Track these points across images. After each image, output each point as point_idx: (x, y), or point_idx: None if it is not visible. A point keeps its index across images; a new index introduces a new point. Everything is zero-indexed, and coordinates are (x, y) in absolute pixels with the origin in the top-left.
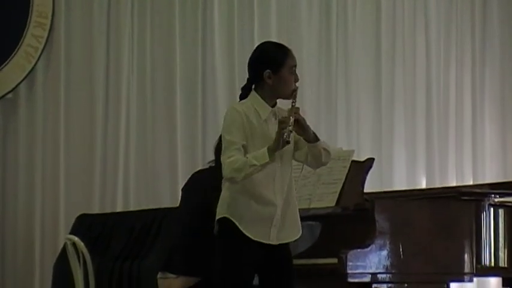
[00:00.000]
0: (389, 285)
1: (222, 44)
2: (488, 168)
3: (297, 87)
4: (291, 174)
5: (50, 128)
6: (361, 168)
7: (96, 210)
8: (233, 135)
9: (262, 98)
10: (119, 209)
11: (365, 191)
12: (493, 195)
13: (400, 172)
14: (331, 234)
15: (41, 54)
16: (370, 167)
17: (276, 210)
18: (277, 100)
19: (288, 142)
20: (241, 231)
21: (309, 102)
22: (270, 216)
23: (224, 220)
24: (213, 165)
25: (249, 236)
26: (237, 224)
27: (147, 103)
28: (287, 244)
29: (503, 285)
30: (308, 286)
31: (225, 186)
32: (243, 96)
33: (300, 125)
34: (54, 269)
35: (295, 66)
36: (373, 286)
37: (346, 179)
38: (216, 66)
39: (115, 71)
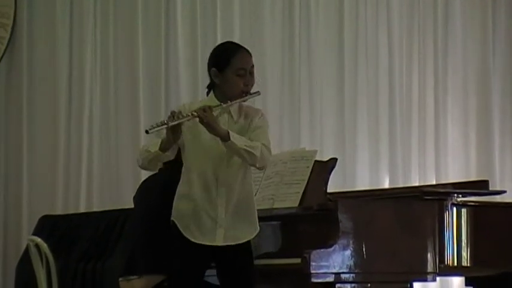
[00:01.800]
0: (353, 285)
1: (185, 42)
2: (451, 168)
3: (247, 89)
4: (246, 177)
5: (12, 129)
6: (324, 168)
7: (59, 211)
8: (152, 142)
9: (215, 96)
10: (82, 210)
11: (328, 191)
12: (455, 195)
13: (363, 172)
14: (294, 234)
15: (3, 55)
16: (333, 167)
17: (217, 211)
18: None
19: (146, 132)
20: (183, 234)
21: (272, 101)
22: (212, 217)
23: (172, 223)
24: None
25: (190, 238)
26: (179, 227)
27: (110, 104)
28: (242, 244)
29: (466, 285)
30: (271, 286)
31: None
32: (207, 95)
33: (204, 123)
34: (16, 270)
35: (244, 69)
36: (336, 286)
37: (309, 179)
38: (179, 66)
39: (78, 72)
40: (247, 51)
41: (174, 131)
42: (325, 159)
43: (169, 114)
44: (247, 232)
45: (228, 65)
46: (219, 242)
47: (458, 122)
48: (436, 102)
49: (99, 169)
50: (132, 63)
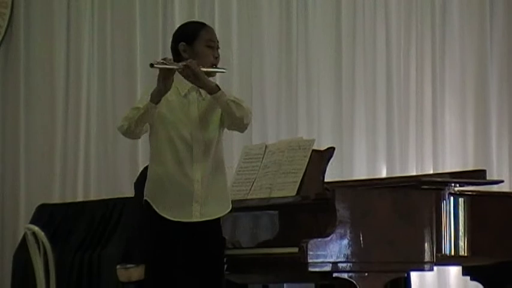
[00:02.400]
0: (350, 274)
1: None
2: (449, 157)
3: (216, 63)
4: (218, 154)
5: (9, 119)
6: (321, 158)
7: (56, 199)
8: (139, 101)
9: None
10: (79, 199)
11: (326, 180)
12: (453, 184)
13: (361, 161)
14: (292, 223)
15: (0, 44)
16: (331, 156)
17: (194, 185)
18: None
19: (151, 65)
20: (159, 213)
21: (269, 91)
22: (188, 192)
23: (145, 203)
24: None
25: (167, 217)
26: (153, 206)
27: (107, 93)
28: (215, 220)
29: (463, 274)
30: (269, 276)
31: (149, 167)
32: None
33: (191, 72)
34: (14, 259)
35: (213, 41)
36: (333, 275)
37: (306, 168)
38: None
39: (75, 61)
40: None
41: (168, 77)
42: (323, 148)
43: (162, 59)
44: (221, 207)
45: (198, 37)
46: (196, 217)
47: (456, 111)
48: (433, 91)
49: (96, 158)
50: (129, 50)
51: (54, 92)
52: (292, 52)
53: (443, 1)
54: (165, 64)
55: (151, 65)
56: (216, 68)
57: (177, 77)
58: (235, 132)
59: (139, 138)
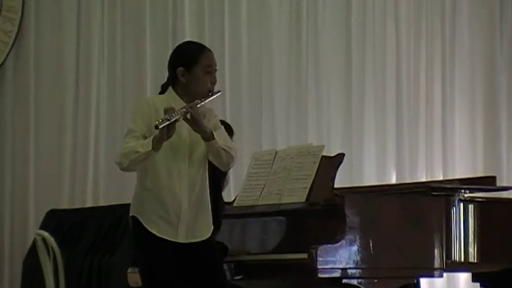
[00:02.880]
0: (359, 280)
1: (193, 36)
2: (458, 164)
3: (212, 88)
4: (204, 175)
5: (19, 124)
6: (331, 164)
7: (65, 205)
8: (135, 123)
9: (178, 95)
10: (88, 205)
11: (335, 186)
12: (462, 191)
13: (370, 167)
14: (301, 229)
15: (10, 49)
16: (341, 162)
17: (181, 205)
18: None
19: (155, 127)
20: (146, 228)
21: (279, 96)
22: (175, 212)
23: (133, 218)
24: None
25: (154, 233)
26: (142, 221)
27: (117, 98)
28: (205, 242)
29: (472, 281)
30: (278, 281)
31: (137, 183)
32: (161, 94)
33: (192, 119)
34: (23, 264)
35: (211, 66)
36: (343, 281)
37: (316, 174)
38: None
39: (85, 66)
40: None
41: (171, 128)
42: (332, 154)
43: (165, 110)
44: (204, 229)
45: (197, 63)
46: (181, 238)
47: (466, 118)
48: (443, 98)
49: (105, 164)
50: (139, 57)
51: (64, 97)
52: (301, 58)
53: (453, 6)
54: (169, 120)
55: (156, 127)
56: (212, 94)
57: (174, 97)
58: (245, 138)
59: None
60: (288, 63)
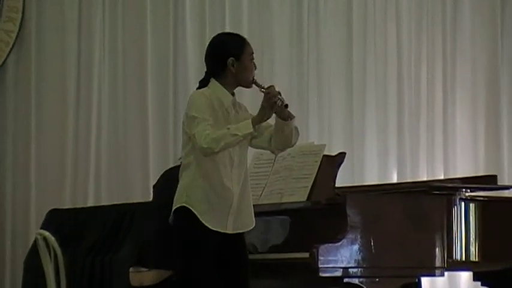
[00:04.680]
0: (361, 279)
1: (193, 34)
2: (459, 163)
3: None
4: (247, 167)
5: (20, 124)
6: (332, 163)
7: (67, 205)
8: (204, 113)
9: (223, 85)
10: (90, 204)
11: (336, 185)
12: (464, 190)
13: (372, 166)
14: (303, 228)
15: (11, 49)
16: (342, 161)
17: (233, 197)
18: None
19: (286, 106)
20: (199, 221)
21: None
22: (228, 204)
23: (182, 209)
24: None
25: (208, 226)
26: (196, 213)
27: (118, 98)
28: (242, 233)
29: (474, 280)
30: (279, 281)
31: (184, 174)
32: (202, 86)
33: (270, 102)
34: (25, 264)
35: (253, 54)
36: (344, 280)
37: (317, 173)
38: (187, 60)
39: (86, 66)
40: None
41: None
42: (334, 153)
43: (267, 91)
44: (249, 221)
45: (244, 52)
46: (229, 229)
47: (467, 117)
48: (444, 97)
49: (107, 163)
50: (140, 55)
51: (65, 97)
52: (302, 57)
53: (454, 3)
54: (282, 101)
55: (286, 106)
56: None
57: (220, 89)
58: None
59: None
60: (289, 62)
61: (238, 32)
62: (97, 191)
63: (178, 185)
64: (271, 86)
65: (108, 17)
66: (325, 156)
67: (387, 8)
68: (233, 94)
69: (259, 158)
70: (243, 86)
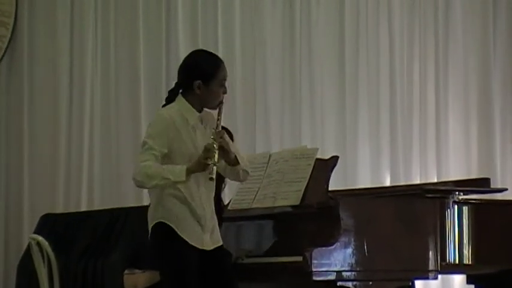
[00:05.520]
0: (354, 282)
1: (186, 38)
2: (452, 165)
3: (223, 100)
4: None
5: (13, 128)
6: (325, 166)
7: (60, 209)
8: (155, 141)
9: (189, 103)
10: (83, 208)
11: (329, 189)
12: (457, 193)
13: (364, 169)
14: (296, 232)
15: (4, 53)
16: (335, 165)
17: (205, 214)
18: None
19: (211, 179)
20: (178, 235)
21: (272, 98)
22: (200, 220)
23: (160, 224)
24: None
25: (187, 240)
26: (174, 227)
27: (111, 103)
28: (221, 248)
29: (467, 283)
30: (273, 285)
31: (157, 190)
32: (169, 100)
33: (224, 151)
34: (18, 268)
35: (225, 80)
36: (338, 284)
37: (310, 177)
38: (180, 62)
39: (79, 70)
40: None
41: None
42: (327, 157)
43: (206, 148)
44: (219, 235)
45: (214, 77)
46: (208, 246)
47: (459, 120)
48: (436, 100)
49: (99, 168)
50: (133, 61)
51: (57, 101)
52: (295, 61)
53: (446, 6)
54: (215, 164)
55: (211, 179)
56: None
57: (186, 106)
58: (239, 141)
59: None
60: (282, 67)
61: (230, 36)
62: (90, 196)
63: (153, 199)
64: (221, 131)
65: (100, 22)
66: (318, 159)
67: (379, 12)
68: (201, 110)
69: (252, 162)
70: (209, 109)
